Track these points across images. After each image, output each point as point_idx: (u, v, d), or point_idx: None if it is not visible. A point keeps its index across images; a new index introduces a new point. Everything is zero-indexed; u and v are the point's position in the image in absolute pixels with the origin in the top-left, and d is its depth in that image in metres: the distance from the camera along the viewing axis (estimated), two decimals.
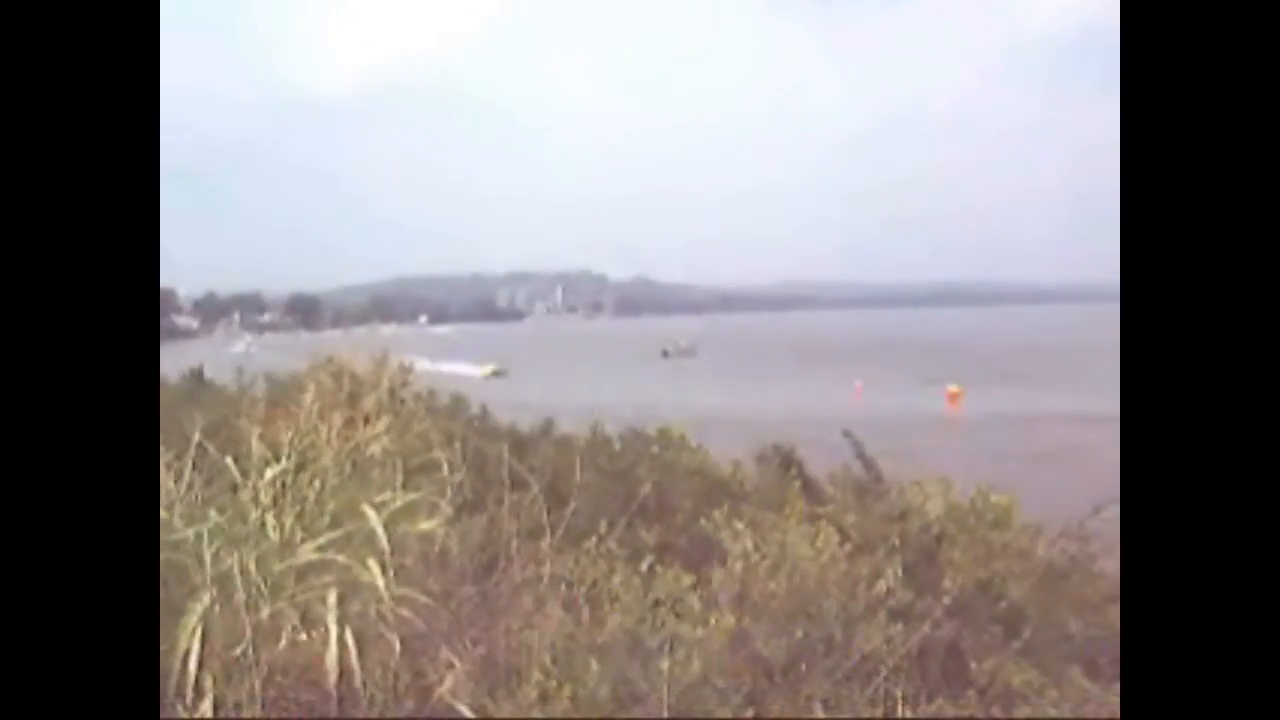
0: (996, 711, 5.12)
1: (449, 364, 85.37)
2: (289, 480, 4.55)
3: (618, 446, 9.64)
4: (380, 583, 4.26)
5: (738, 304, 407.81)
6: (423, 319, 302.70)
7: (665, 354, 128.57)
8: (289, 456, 4.63)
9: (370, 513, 4.41)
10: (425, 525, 4.89)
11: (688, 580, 5.08)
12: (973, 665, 5.37)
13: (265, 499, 4.44)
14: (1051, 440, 52.30)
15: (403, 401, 9.20)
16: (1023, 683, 5.21)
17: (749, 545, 5.21)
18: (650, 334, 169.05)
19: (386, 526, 4.42)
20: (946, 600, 5.52)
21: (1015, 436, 54.00)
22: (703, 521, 5.87)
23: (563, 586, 5.09)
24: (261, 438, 4.70)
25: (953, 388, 75.63)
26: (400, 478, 5.09)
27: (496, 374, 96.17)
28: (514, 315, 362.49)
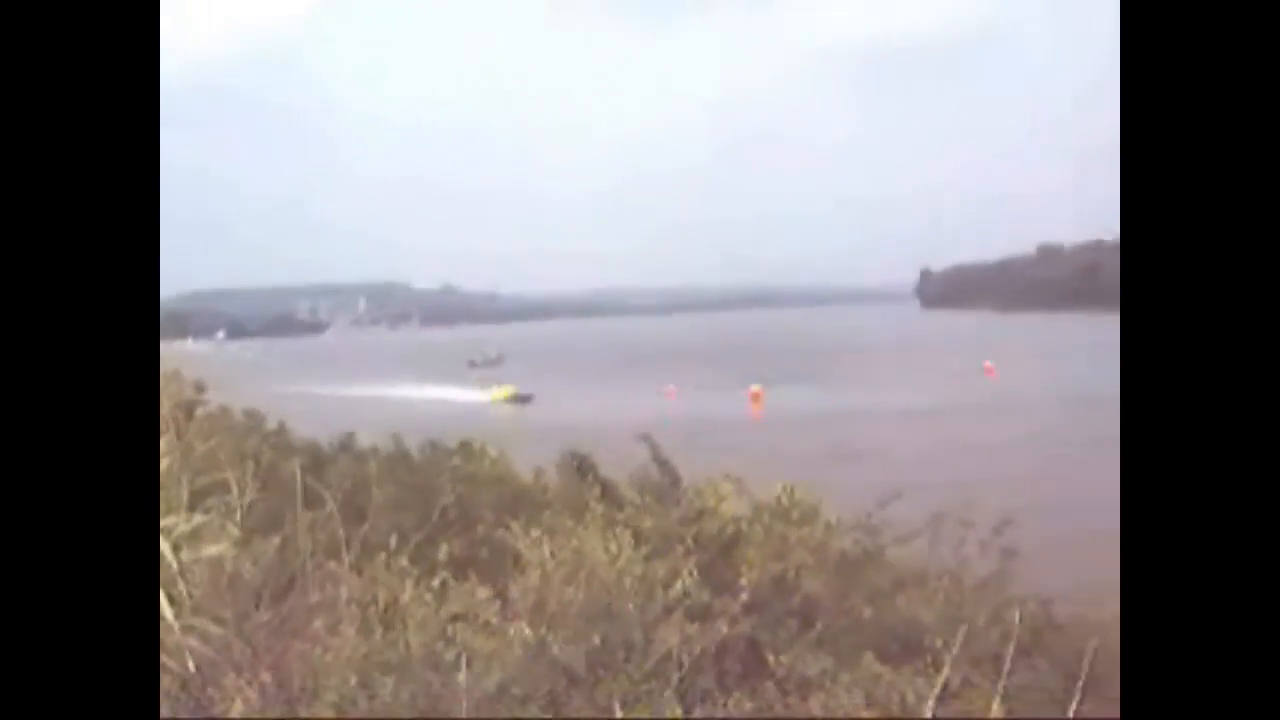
0: (794, 700, 5.27)
1: (439, 388, 79.86)
2: None
3: (417, 459, 9.53)
4: (169, 614, 4.12)
5: (547, 311, 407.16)
6: (220, 334, 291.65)
7: (472, 364, 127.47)
8: None
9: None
10: (213, 549, 4.74)
11: (484, 593, 5.07)
12: (770, 658, 5.51)
13: None
14: (849, 436, 54.29)
15: (190, 418, 8.86)
16: (818, 671, 5.37)
17: (546, 554, 5.23)
18: (458, 344, 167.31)
19: (174, 552, 4.28)
20: (744, 597, 5.67)
21: (815, 433, 55.69)
22: (499, 532, 5.85)
23: (353, 607, 5.02)
24: None
25: (755, 388, 77.40)
26: (186, 498, 4.92)
27: (518, 399, 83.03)
28: (316, 328, 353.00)
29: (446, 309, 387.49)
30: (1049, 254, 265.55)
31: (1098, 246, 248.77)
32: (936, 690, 5.33)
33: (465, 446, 10.22)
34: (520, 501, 8.36)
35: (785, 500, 7.11)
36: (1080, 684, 5.71)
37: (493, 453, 10.17)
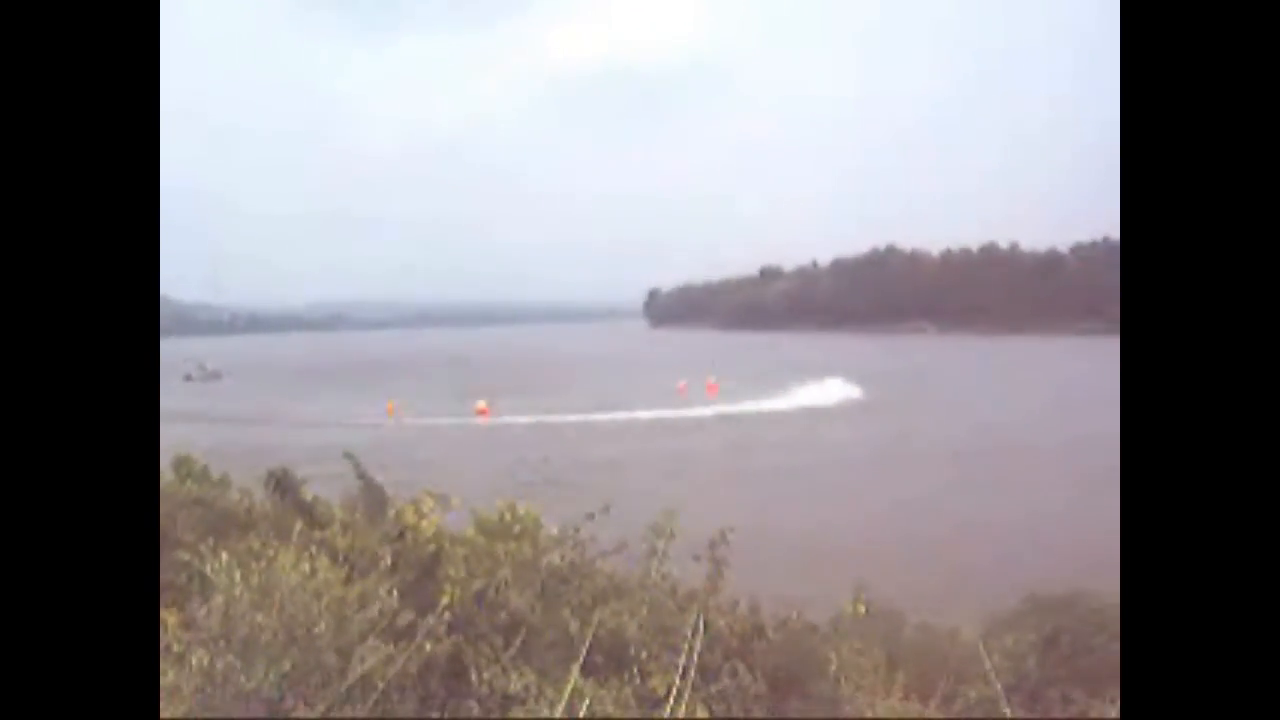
0: (495, 716, 5.27)
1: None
2: None
3: None
4: None
5: (269, 324, 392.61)
6: None
7: (189, 378, 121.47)
8: None
9: None
10: None
11: (173, 619, 4.85)
12: (473, 675, 5.49)
13: None
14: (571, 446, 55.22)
15: None
16: (520, 687, 5.39)
17: (236, 577, 5.04)
18: (173, 356, 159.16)
19: None
20: (447, 616, 5.63)
21: (537, 447, 56.32)
22: (184, 556, 5.59)
23: None
24: None
25: (481, 404, 77.54)
26: None
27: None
28: None
29: (161, 319, 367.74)
30: (770, 276, 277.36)
31: (813, 269, 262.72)
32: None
33: (183, 463, 9.70)
34: (224, 522, 8.02)
35: (507, 516, 7.10)
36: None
37: (204, 469, 9.71)
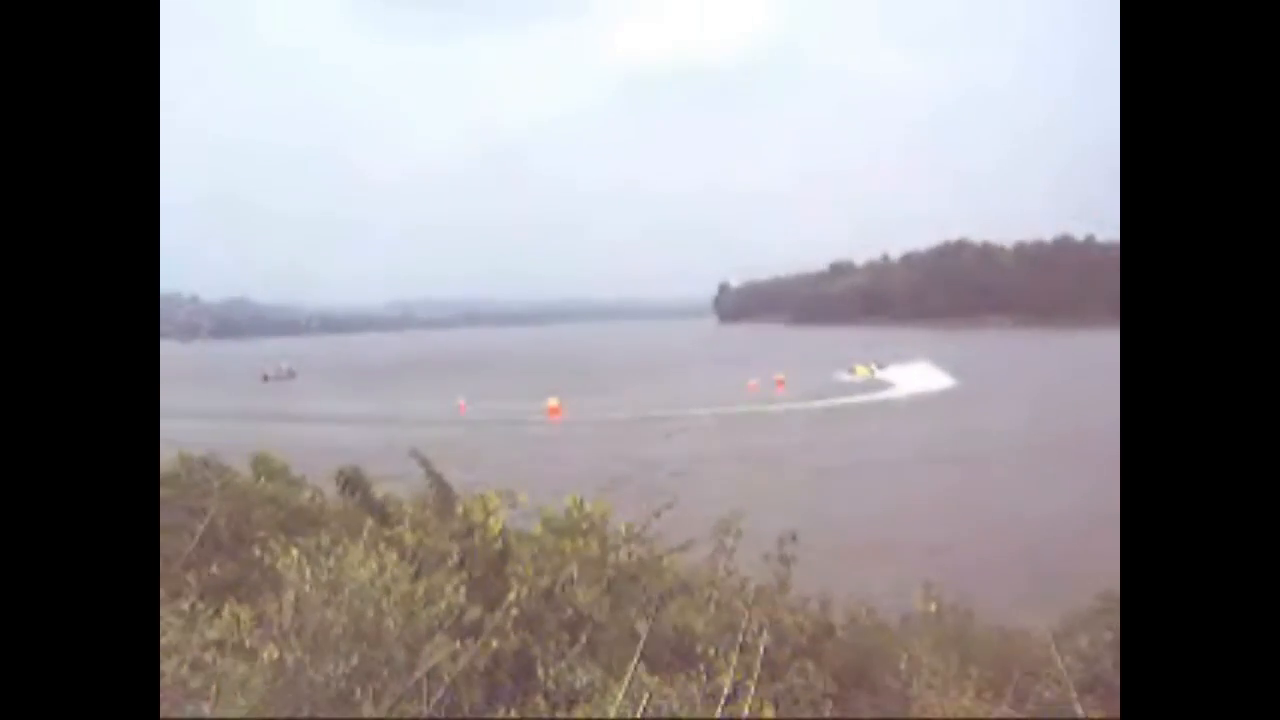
0: (560, 713, 5.31)
1: None
2: None
3: (186, 478, 9.11)
4: None
5: (343, 325, 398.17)
6: None
7: (265, 378, 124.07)
8: None
9: None
10: None
11: (245, 614, 4.94)
12: (540, 671, 5.54)
13: None
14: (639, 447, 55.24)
15: None
16: (585, 682, 5.43)
17: (306, 573, 5.11)
18: (251, 357, 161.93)
19: None
20: (514, 612, 5.68)
21: (607, 445, 56.42)
22: (257, 552, 5.69)
23: None
24: None
25: (553, 402, 77.77)
26: None
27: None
28: None
29: (238, 321, 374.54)
30: (840, 270, 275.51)
31: (884, 263, 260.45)
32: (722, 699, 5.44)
33: (260, 460, 9.84)
34: (296, 520, 8.15)
35: (575, 513, 7.14)
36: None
37: (286, 467, 9.84)
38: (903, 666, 6.99)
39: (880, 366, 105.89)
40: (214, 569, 6.80)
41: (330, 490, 8.63)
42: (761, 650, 6.08)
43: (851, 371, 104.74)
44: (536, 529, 7.23)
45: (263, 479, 9.36)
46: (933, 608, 9.99)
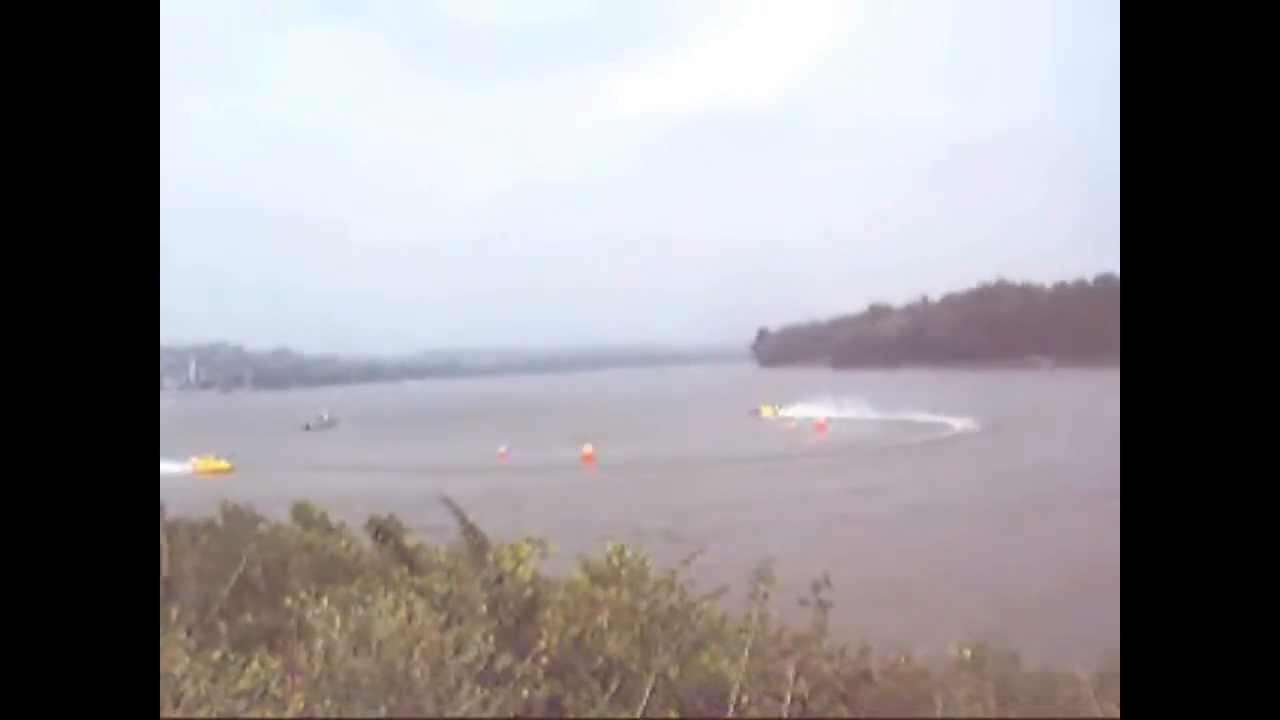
0: None
1: None
2: None
3: (223, 527, 9.19)
4: None
5: (382, 373, 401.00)
6: None
7: (307, 427, 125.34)
8: None
9: None
10: None
11: (275, 664, 4.96)
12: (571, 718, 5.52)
13: None
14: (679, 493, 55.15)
15: None
16: None
17: (336, 623, 5.13)
18: (293, 406, 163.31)
19: None
20: (545, 660, 5.67)
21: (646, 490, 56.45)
22: (289, 601, 5.71)
23: None
24: None
25: (587, 449, 77.84)
26: None
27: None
28: None
29: (280, 371, 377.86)
30: (879, 313, 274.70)
31: (924, 305, 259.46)
32: None
33: (301, 509, 9.92)
34: (331, 569, 8.18)
35: (615, 560, 7.12)
36: None
37: (323, 516, 9.90)
38: (938, 714, 6.91)
39: (781, 406, 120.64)
40: (248, 618, 6.82)
41: (368, 539, 8.68)
42: (788, 698, 6.05)
43: (757, 412, 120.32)
44: (575, 575, 7.23)
45: (307, 528, 9.43)
46: (967, 654, 9.87)
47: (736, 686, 6.14)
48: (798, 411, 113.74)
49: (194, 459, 76.65)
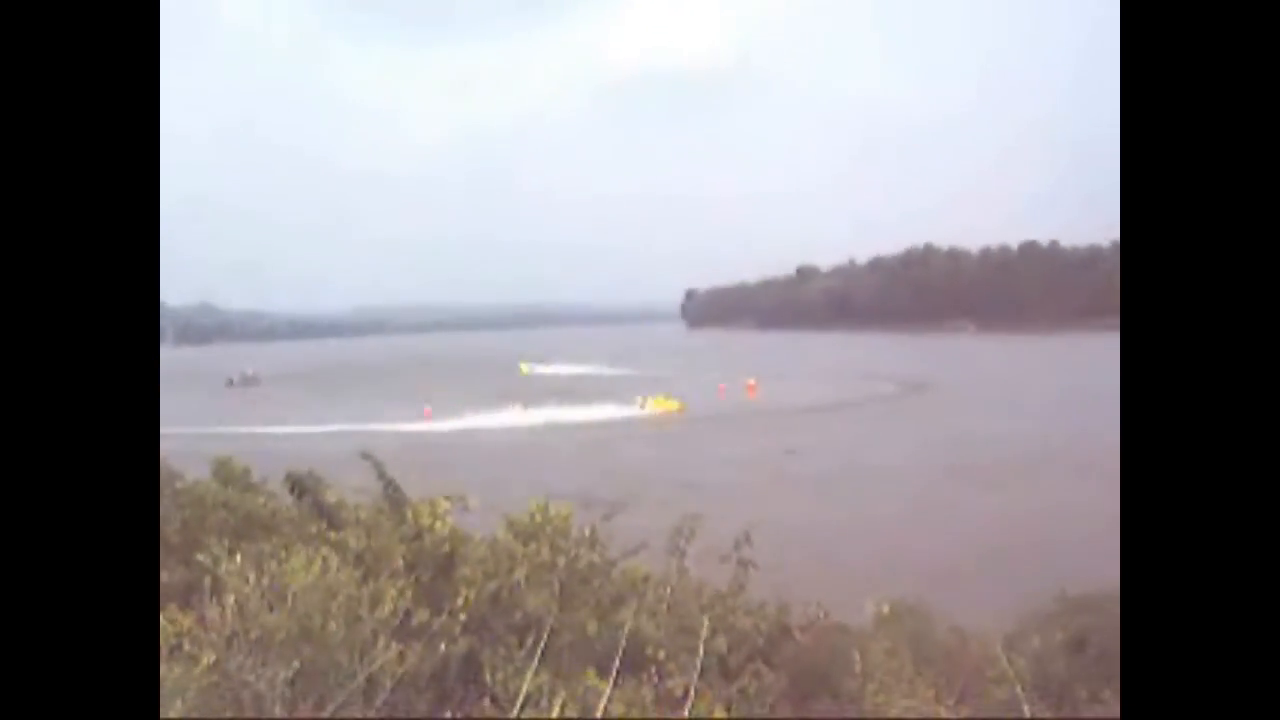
0: (510, 714, 5.32)
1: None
2: None
3: None
4: None
5: (310, 330, 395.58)
6: None
7: (230, 383, 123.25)
8: None
9: None
10: None
11: (186, 621, 4.91)
12: (488, 675, 5.53)
13: None
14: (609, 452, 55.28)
15: None
16: (535, 687, 5.42)
17: (250, 578, 5.10)
18: (214, 362, 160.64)
19: None
20: (462, 616, 5.69)
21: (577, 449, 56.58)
22: (200, 557, 5.65)
23: None
24: None
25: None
26: None
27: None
28: None
29: (204, 327, 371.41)
30: (806, 275, 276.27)
31: (851, 268, 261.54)
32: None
33: (221, 465, 9.76)
34: (248, 525, 8.09)
35: (538, 517, 7.13)
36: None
37: (242, 471, 9.76)
38: (857, 669, 7.02)
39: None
40: (162, 575, 6.73)
41: (287, 496, 8.59)
42: (711, 653, 6.12)
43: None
44: (498, 532, 7.21)
45: (225, 485, 9.30)
46: (886, 610, 10.07)
47: (654, 642, 6.19)
48: (553, 370, 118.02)
49: None
